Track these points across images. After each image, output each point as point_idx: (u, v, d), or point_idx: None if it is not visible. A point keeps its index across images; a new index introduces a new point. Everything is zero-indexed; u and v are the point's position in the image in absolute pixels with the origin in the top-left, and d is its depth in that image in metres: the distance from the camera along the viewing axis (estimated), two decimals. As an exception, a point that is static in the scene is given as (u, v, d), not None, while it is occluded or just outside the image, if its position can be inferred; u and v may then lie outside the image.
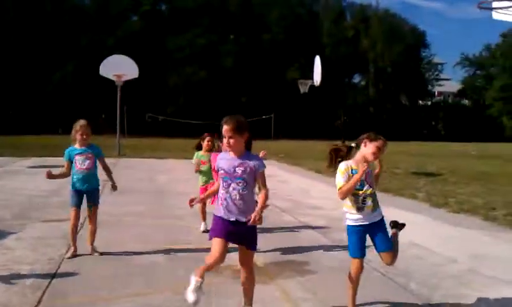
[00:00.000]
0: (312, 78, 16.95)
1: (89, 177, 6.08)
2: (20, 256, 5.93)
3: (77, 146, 6.08)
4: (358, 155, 4.28)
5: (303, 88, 18.34)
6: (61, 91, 48.73)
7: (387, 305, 4.50)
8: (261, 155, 5.99)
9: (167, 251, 6.29)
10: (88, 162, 6.04)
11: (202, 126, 40.26)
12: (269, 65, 54.24)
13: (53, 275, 5.23)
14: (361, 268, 4.26)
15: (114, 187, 6.39)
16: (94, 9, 52.33)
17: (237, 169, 3.86)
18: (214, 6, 52.96)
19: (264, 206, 3.88)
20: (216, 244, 3.85)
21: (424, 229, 8.06)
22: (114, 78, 23.24)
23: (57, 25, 50.09)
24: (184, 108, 50.10)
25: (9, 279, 5.09)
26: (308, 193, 12.33)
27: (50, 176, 5.88)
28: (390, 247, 4.29)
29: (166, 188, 12.43)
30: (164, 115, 47.25)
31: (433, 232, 7.98)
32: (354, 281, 4.28)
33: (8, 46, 48.03)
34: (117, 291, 4.83)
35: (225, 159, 3.95)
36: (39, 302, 4.46)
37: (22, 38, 48.36)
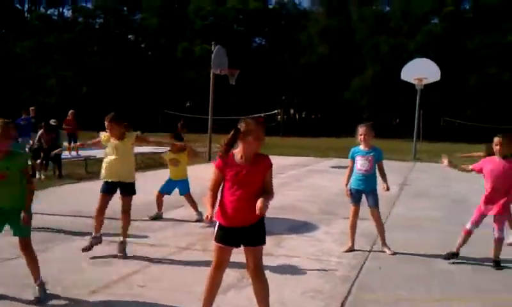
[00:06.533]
0: None
1: (367, 179, 6.32)
2: (328, 249, 6.53)
3: (361, 147, 6.41)
4: None
5: None
6: (358, 95, 50.75)
7: None
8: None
9: (465, 260, 6.13)
10: (367, 164, 6.30)
11: (503, 131, 37.16)
12: None
13: (359, 270, 5.64)
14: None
15: (387, 188, 6.39)
16: (396, 14, 52.87)
17: None
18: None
19: None
20: None
21: None
22: (414, 82, 23.21)
23: (359, 31, 52.30)
24: (485, 112, 46.90)
25: (321, 268, 5.68)
26: None
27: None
28: None
29: (460, 197, 11.81)
30: (462, 119, 45.11)
31: None
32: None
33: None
34: (418, 293, 4.95)
35: None
36: (349, 293, 4.88)
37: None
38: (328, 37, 53.34)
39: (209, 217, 3.76)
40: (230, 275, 5.02)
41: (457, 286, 5.19)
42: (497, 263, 5.89)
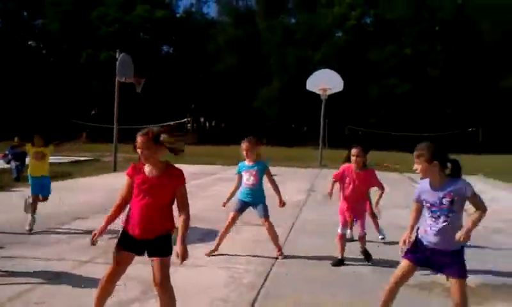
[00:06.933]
0: None
1: (254, 193, 6.46)
2: (236, 257, 6.49)
3: (246, 162, 6.50)
4: None
5: None
6: (266, 105, 51.60)
7: None
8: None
9: (368, 263, 6.33)
10: (252, 178, 6.41)
11: (404, 138, 39.70)
12: (480, 74, 50.36)
13: (265, 277, 5.64)
14: None
15: (282, 204, 6.54)
16: (302, 27, 54.27)
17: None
18: (423, 16, 51.00)
19: None
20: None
21: None
22: (319, 92, 23.90)
23: (266, 42, 53.29)
24: (386, 120, 49.33)
25: (228, 276, 5.62)
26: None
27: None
28: None
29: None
30: (366, 127, 47.14)
31: None
32: None
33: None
34: (322, 297, 5.02)
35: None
36: (255, 300, 4.86)
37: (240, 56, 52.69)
38: (236, 47, 53.89)
39: (94, 237, 3.73)
40: (133, 287, 4.84)
41: (360, 289, 5.31)
42: (366, 253, 6.34)
